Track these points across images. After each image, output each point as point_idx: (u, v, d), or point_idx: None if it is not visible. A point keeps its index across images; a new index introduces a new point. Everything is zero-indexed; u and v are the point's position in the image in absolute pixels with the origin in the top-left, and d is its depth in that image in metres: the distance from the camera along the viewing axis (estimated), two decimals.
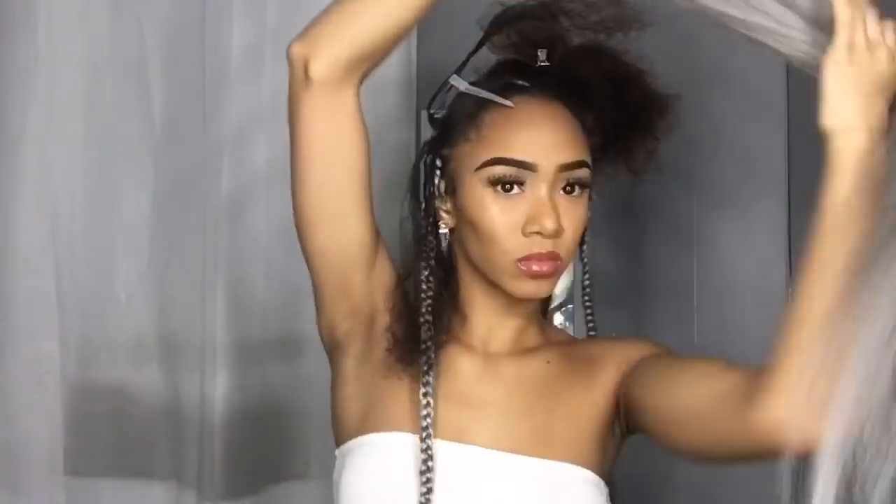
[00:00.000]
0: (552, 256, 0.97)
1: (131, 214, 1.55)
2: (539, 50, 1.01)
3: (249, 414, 1.53)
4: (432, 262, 1.02)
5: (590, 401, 1.02)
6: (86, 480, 1.53)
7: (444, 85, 1.05)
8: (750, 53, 1.70)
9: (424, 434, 0.95)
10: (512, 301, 1.03)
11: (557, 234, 0.96)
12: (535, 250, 0.96)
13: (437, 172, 1.03)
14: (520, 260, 0.97)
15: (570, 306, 1.96)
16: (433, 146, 1.06)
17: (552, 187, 0.97)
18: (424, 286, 1.02)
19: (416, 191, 1.08)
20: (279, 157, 1.54)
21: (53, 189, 1.53)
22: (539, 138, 0.97)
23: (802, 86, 1.64)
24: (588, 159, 1.00)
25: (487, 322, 1.04)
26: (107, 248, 1.55)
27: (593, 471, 0.98)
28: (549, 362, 1.05)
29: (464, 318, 1.05)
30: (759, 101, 1.66)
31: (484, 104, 0.99)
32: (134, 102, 1.55)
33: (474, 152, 0.99)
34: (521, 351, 1.05)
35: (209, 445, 1.51)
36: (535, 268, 0.96)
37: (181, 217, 1.55)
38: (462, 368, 1.03)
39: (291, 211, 1.06)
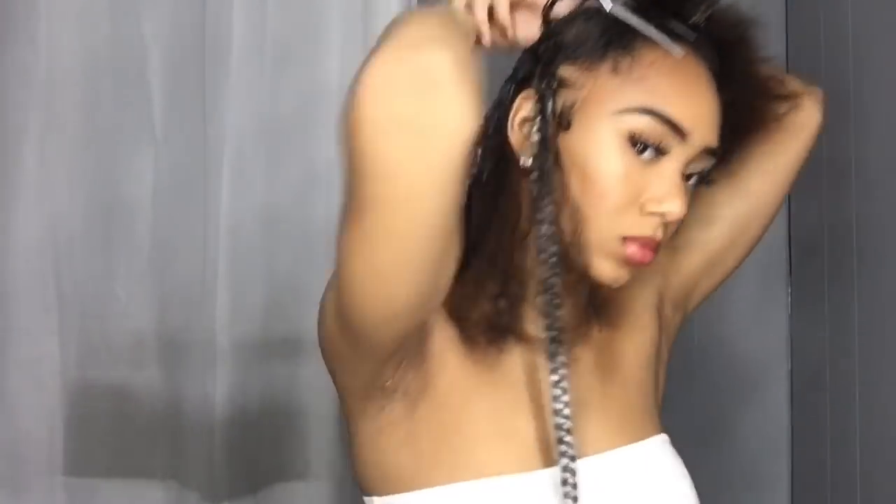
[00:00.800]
0: (656, 247, 0.78)
1: (131, 214, 1.55)
2: (700, 8, 0.80)
3: (249, 414, 1.53)
4: (551, 209, 0.77)
5: (643, 355, 0.89)
6: (86, 480, 1.53)
7: None
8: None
9: (564, 450, 0.73)
10: (578, 278, 0.81)
11: (678, 223, 0.79)
12: (648, 233, 0.77)
13: (552, 94, 0.79)
14: (627, 238, 0.77)
15: None
16: (550, 59, 0.80)
17: (685, 168, 0.78)
18: (546, 244, 0.77)
19: (504, 116, 0.83)
20: (279, 157, 1.55)
21: (53, 189, 1.53)
22: (701, 107, 0.78)
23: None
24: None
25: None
26: (107, 248, 1.55)
27: (662, 429, 0.88)
28: (599, 330, 0.87)
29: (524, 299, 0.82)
30: None
31: (643, 37, 0.78)
32: (134, 102, 1.55)
33: (621, 90, 0.77)
34: (578, 331, 0.85)
35: (209, 445, 1.51)
36: (637, 253, 0.77)
37: (181, 217, 1.54)
38: (533, 366, 0.82)
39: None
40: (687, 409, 1.66)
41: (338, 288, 0.73)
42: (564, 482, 0.72)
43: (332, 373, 0.84)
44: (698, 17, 0.80)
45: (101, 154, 1.55)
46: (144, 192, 1.55)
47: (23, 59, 1.52)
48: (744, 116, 0.85)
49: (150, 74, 1.55)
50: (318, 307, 0.82)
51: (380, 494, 0.82)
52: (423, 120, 0.63)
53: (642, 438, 0.84)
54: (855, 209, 1.36)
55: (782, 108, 0.91)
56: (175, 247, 1.54)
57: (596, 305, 0.85)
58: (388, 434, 0.80)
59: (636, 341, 0.89)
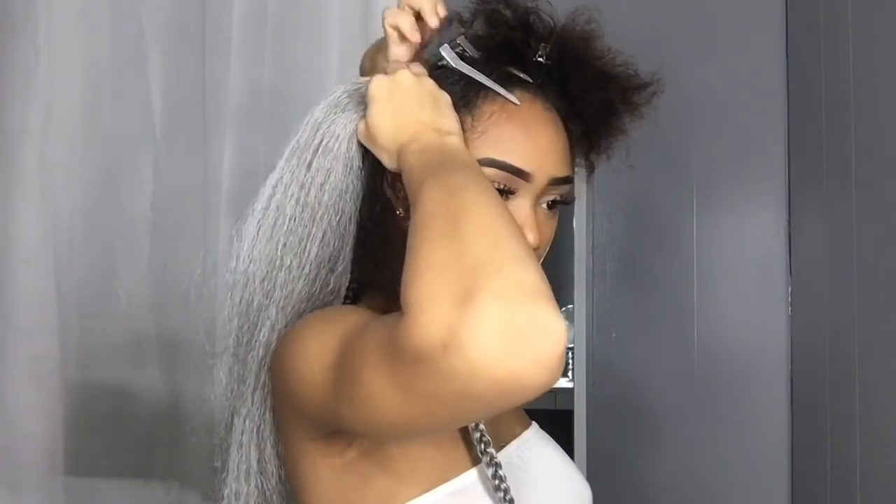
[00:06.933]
0: None
1: (131, 214, 1.55)
2: (542, 44, 0.87)
3: None
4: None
5: None
6: (86, 480, 1.53)
7: (433, 53, 0.88)
8: (752, 53, 1.72)
9: (486, 454, 0.83)
10: None
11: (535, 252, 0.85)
12: None
13: None
14: None
15: (570, 306, 1.95)
16: None
17: (536, 199, 0.86)
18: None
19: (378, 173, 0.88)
20: (279, 157, 1.55)
21: (53, 189, 1.53)
22: (539, 146, 0.85)
23: (803, 84, 1.65)
24: (573, 174, 0.89)
25: None
26: (107, 248, 1.55)
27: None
28: None
29: None
30: (759, 98, 1.66)
31: (483, 90, 0.85)
32: (134, 102, 1.56)
33: (469, 145, 0.83)
34: None
35: (209, 445, 1.51)
36: None
37: (181, 217, 1.55)
38: None
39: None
40: (687, 408, 1.66)
41: (346, 396, 0.71)
42: (494, 475, 0.83)
43: (290, 410, 0.84)
44: (542, 53, 0.87)
45: (101, 154, 1.55)
46: (144, 192, 1.56)
47: (23, 59, 1.52)
48: (603, 117, 0.90)
49: (150, 74, 1.56)
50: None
51: None
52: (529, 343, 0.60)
53: (529, 425, 0.97)
54: (855, 208, 1.36)
55: (640, 97, 0.91)
56: (175, 247, 1.55)
57: None
58: (360, 466, 0.83)
59: None
